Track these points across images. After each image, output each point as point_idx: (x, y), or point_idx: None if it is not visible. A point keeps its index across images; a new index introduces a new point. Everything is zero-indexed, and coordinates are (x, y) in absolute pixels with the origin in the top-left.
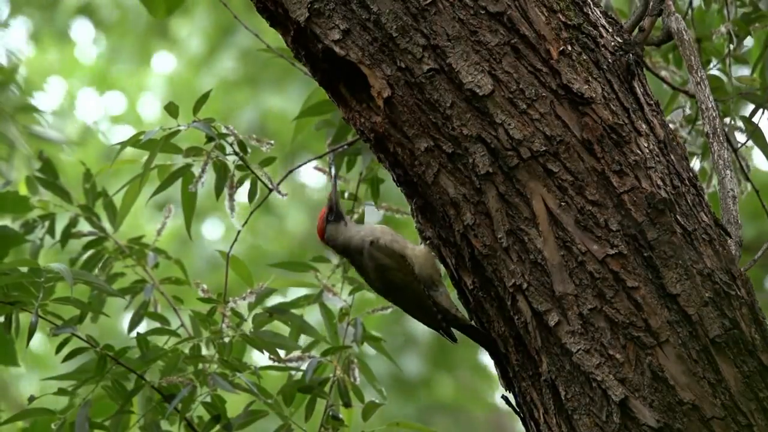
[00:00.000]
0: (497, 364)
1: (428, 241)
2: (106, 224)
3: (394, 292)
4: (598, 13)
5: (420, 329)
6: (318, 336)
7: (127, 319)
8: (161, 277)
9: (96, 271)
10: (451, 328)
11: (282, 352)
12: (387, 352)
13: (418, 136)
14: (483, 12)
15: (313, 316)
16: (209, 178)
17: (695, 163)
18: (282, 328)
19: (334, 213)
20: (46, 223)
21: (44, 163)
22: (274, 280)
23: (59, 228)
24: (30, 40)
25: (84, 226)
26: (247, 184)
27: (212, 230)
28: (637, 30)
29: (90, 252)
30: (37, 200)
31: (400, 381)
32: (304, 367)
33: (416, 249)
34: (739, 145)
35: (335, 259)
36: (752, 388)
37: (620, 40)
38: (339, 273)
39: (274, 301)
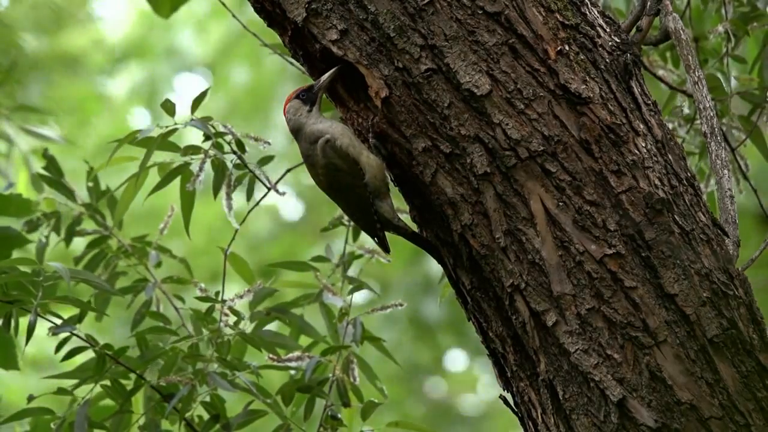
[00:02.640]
0: (495, 363)
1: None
2: (111, 222)
3: (339, 192)
4: (596, 12)
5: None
6: (318, 336)
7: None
8: (177, 274)
9: (99, 269)
10: (386, 237)
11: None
12: (387, 351)
13: (416, 136)
14: (480, 12)
15: (312, 315)
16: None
17: (693, 163)
18: (284, 328)
19: (309, 94)
20: (52, 221)
21: (48, 161)
22: (274, 280)
23: (64, 226)
24: None
25: (88, 224)
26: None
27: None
28: (634, 30)
29: (94, 251)
30: (44, 198)
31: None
32: (303, 366)
33: (371, 157)
34: (737, 144)
35: (335, 259)
36: (750, 388)
37: (618, 40)
38: (339, 272)
39: (276, 300)
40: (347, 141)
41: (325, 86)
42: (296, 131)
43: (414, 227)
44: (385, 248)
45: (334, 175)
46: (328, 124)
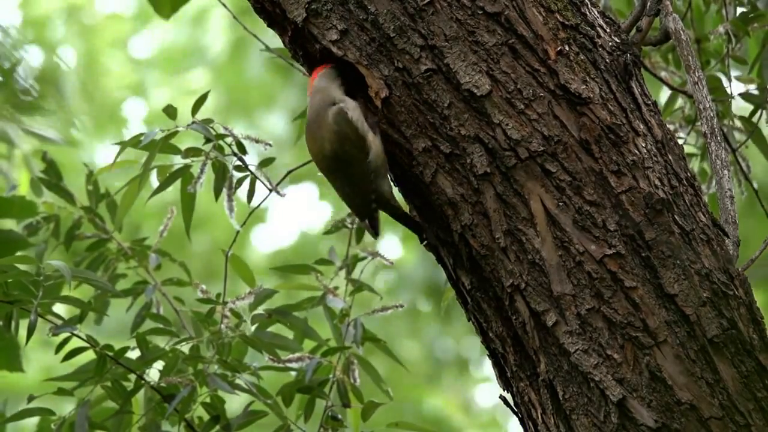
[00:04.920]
0: (495, 364)
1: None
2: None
3: (340, 165)
4: (596, 13)
5: None
6: (320, 340)
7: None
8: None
9: (99, 272)
10: (378, 220)
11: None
12: (390, 352)
13: (416, 136)
14: (480, 12)
15: (318, 318)
16: (209, 178)
17: (694, 164)
18: (285, 330)
19: (342, 69)
20: (51, 225)
21: (48, 165)
22: (276, 282)
23: (63, 230)
24: None
25: (88, 227)
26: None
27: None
28: (634, 30)
29: (94, 254)
30: (42, 202)
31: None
32: (304, 367)
33: (376, 139)
34: (738, 145)
35: (338, 262)
36: (750, 388)
37: (618, 40)
38: (342, 275)
39: (279, 303)
40: (358, 115)
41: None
42: (319, 91)
43: (406, 209)
44: (376, 231)
45: (340, 145)
46: (347, 99)
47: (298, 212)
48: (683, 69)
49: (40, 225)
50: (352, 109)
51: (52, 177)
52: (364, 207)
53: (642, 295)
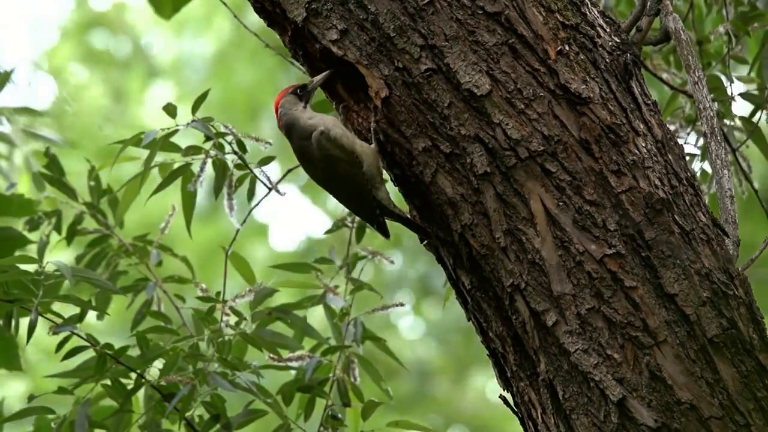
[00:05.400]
0: (495, 363)
1: (378, 139)
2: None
3: (336, 183)
4: (596, 12)
5: None
6: (320, 338)
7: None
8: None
9: (100, 269)
10: (386, 223)
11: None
12: (390, 351)
13: (416, 135)
14: (480, 12)
15: (313, 315)
16: (209, 177)
17: (696, 164)
18: (285, 328)
19: (304, 91)
20: (53, 220)
21: (50, 160)
22: (276, 281)
23: (65, 225)
24: None
25: (89, 223)
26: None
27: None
28: (634, 30)
29: (95, 250)
30: (44, 197)
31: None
32: (304, 366)
33: (365, 146)
34: (738, 145)
35: (338, 261)
36: (750, 388)
37: (618, 40)
38: (342, 274)
39: (279, 302)
40: (340, 131)
41: (317, 85)
42: (290, 126)
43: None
44: (385, 234)
45: (332, 166)
46: (319, 118)
47: (300, 214)
48: (684, 70)
49: (41, 220)
50: (332, 126)
51: (54, 172)
52: (370, 215)
53: (642, 295)
